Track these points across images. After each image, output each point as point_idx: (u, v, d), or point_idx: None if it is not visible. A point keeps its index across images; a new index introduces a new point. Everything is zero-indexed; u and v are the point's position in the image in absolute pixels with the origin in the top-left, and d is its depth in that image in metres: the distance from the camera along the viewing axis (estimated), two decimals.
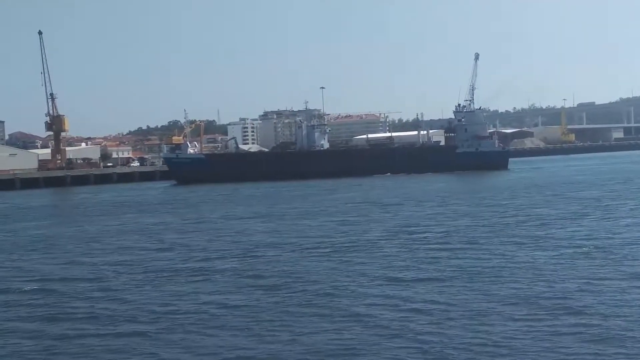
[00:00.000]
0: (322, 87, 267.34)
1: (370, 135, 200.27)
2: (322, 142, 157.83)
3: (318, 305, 24.42)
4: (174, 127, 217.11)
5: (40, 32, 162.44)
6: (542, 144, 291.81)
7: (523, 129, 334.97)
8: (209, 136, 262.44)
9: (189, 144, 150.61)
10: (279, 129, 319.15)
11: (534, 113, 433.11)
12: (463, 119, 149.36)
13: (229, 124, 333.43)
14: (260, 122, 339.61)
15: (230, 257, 36.06)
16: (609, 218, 46.96)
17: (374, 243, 39.16)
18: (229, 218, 59.22)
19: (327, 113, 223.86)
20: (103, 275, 32.30)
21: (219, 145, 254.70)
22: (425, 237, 40.55)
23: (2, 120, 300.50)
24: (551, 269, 29.12)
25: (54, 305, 26.19)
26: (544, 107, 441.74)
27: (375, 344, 19.50)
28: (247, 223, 54.11)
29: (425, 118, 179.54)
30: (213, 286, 28.65)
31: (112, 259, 37.52)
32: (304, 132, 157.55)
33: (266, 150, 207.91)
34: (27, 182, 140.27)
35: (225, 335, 21.13)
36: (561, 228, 42.57)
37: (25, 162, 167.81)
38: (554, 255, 32.55)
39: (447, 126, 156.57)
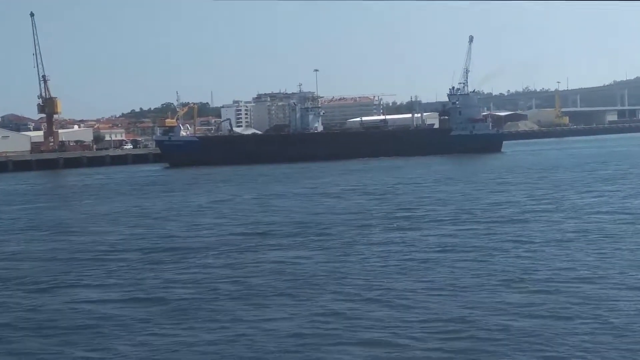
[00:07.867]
0: (316, 70, 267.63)
1: (364, 118, 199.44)
2: (316, 124, 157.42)
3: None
4: (167, 109, 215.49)
5: (32, 14, 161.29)
6: (535, 127, 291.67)
7: (517, 112, 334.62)
8: (202, 119, 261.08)
9: (181, 127, 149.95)
10: (273, 112, 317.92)
11: (528, 96, 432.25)
12: (457, 102, 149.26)
13: (223, 107, 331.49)
14: (254, 104, 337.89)
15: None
16: None
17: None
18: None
19: (321, 96, 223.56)
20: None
21: (213, 127, 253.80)
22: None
23: None
24: None
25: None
26: (538, 90, 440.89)
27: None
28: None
29: (420, 101, 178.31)
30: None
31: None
32: (298, 114, 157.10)
33: (260, 132, 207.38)
34: (19, 165, 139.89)
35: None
36: None
37: (18, 144, 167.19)
38: None
39: (441, 109, 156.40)
